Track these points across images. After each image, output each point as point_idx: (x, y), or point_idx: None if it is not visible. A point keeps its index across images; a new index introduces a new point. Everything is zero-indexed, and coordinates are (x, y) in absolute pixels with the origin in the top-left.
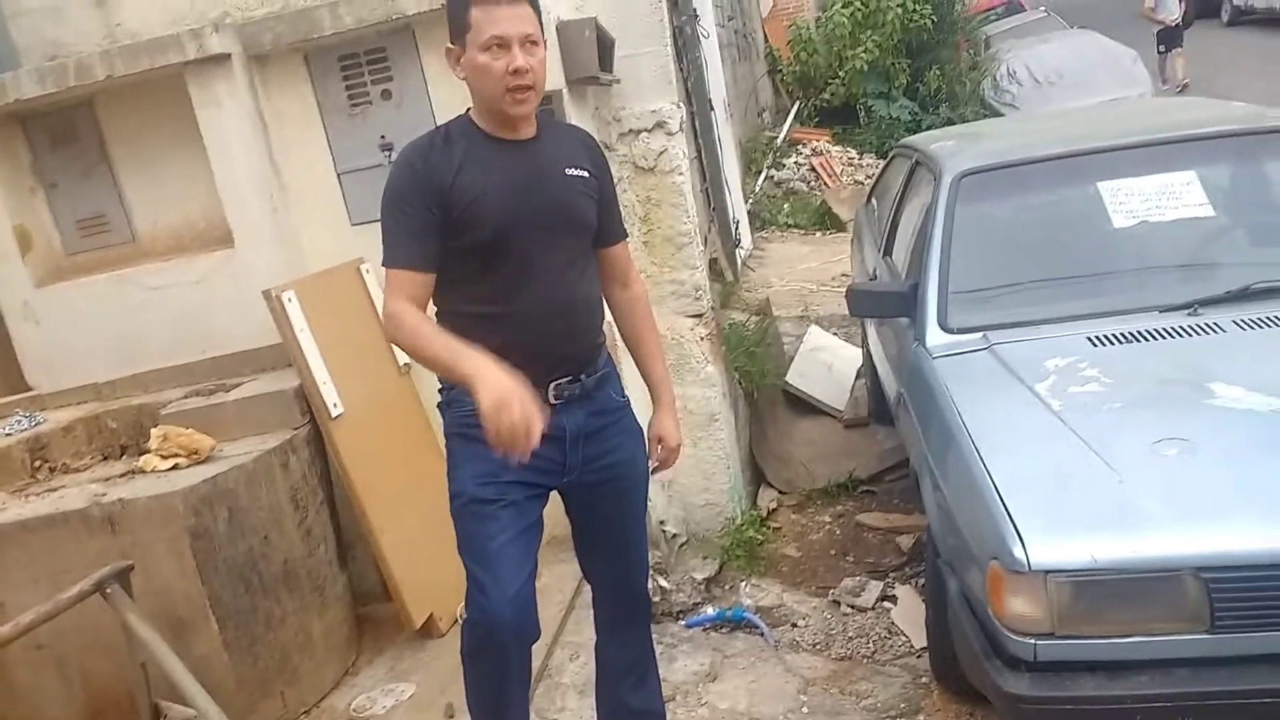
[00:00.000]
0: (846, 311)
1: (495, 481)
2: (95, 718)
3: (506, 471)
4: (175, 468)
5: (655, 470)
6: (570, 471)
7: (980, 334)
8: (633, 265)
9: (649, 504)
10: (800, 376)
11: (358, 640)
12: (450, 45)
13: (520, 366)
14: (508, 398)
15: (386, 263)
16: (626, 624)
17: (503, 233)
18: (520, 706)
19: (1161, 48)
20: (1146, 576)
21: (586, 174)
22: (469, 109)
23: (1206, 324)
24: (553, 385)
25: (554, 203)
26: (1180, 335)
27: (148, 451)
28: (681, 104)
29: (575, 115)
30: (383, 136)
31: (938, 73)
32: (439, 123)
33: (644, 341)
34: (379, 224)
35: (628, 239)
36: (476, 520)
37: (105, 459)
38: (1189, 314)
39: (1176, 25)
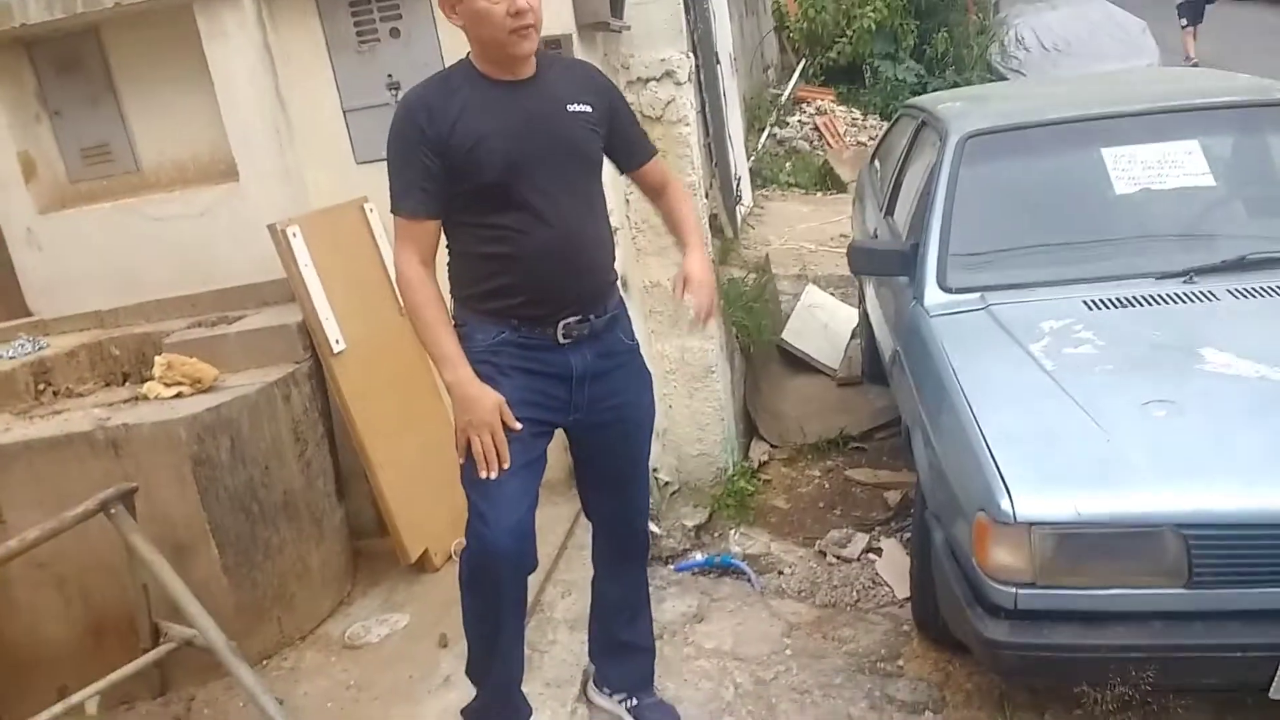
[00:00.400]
0: (844, 271)
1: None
2: (95, 636)
3: (512, 406)
4: (179, 395)
5: (693, 307)
6: (576, 410)
7: (978, 294)
8: (669, 173)
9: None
10: (796, 334)
11: (353, 572)
12: None
13: (529, 306)
14: (477, 422)
15: (394, 209)
16: (625, 560)
17: (507, 175)
18: (515, 635)
19: (1184, 21)
20: (1128, 531)
21: (590, 108)
22: (469, 53)
23: (1202, 292)
24: (561, 324)
25: (556, 141)
26: (1175, 302)
27: (151, 379)
28: (689, 54)
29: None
30: (390, 75)
31: (945, 35)
32: (447, 63)
33: (682, 219)
34: (384, 164)
35: (658, 154)
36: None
37: (108, 385)
38: (1185, 281)
39: None
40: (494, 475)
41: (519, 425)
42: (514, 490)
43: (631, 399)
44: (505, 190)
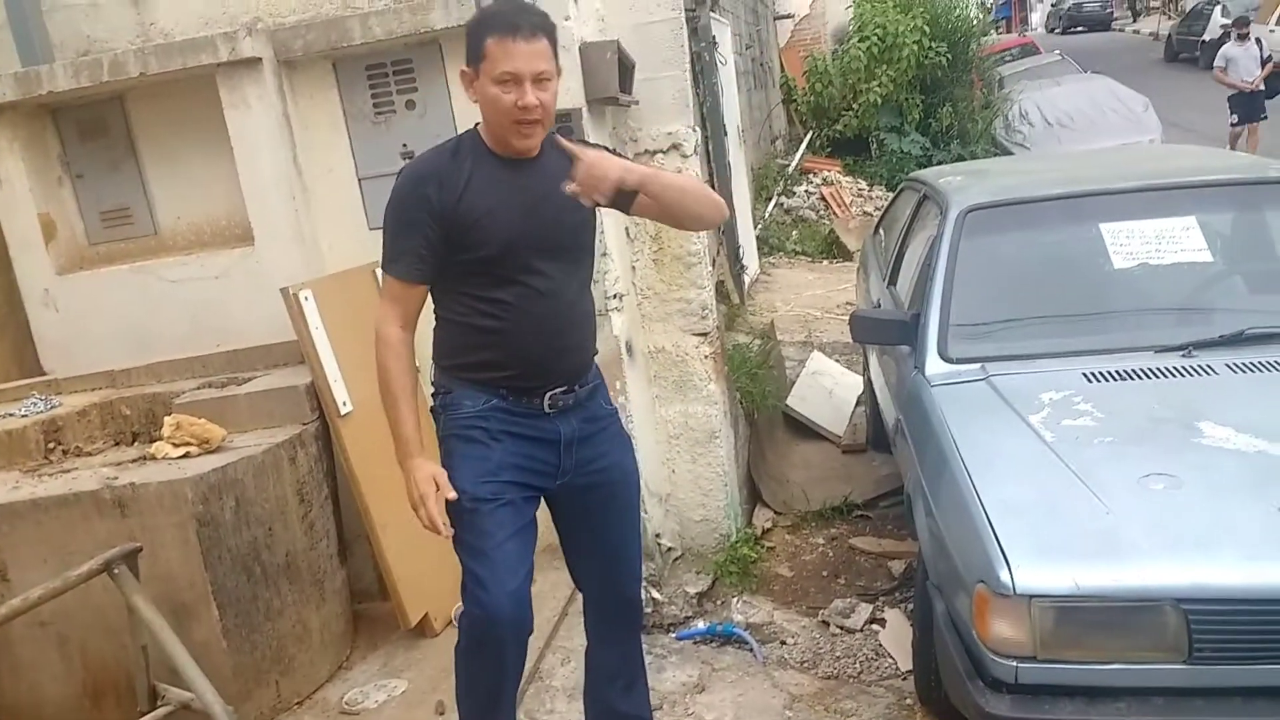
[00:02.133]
0: (849, 339)
1: (493, 480)
2: (93, 697)
3: (504, 471)
4: (186, 455)
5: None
6: (564, 474)
7: (979, 365)
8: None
9: (645, 516)
10: (801, 400)
11: (353, 636)
12: (465, 68)
13: (518, 379)
14: (414, 496)
15: (385, 269)
16: (617, 629)
17: (507, 251)
18: (511, 702)
19: (1234, 118)
20: (1128, 605)
21: None
22: (478, 124)
23: (1200, 366)
24: (548, 395)
25: (556, 223)
26: (1174, 375)
27: (160, 439)
28: (696, 127)
29: (593, 134)
30: (405, 145)
31: (950, 110)
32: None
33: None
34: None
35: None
36: (474, 518)
37: (118, 444)
38: (1183, 355)
39: (1259, 90)
40: (442, 535)
41: (453, 494)
42: (511, 554)
43: (616, 460)
44: (503, 266)
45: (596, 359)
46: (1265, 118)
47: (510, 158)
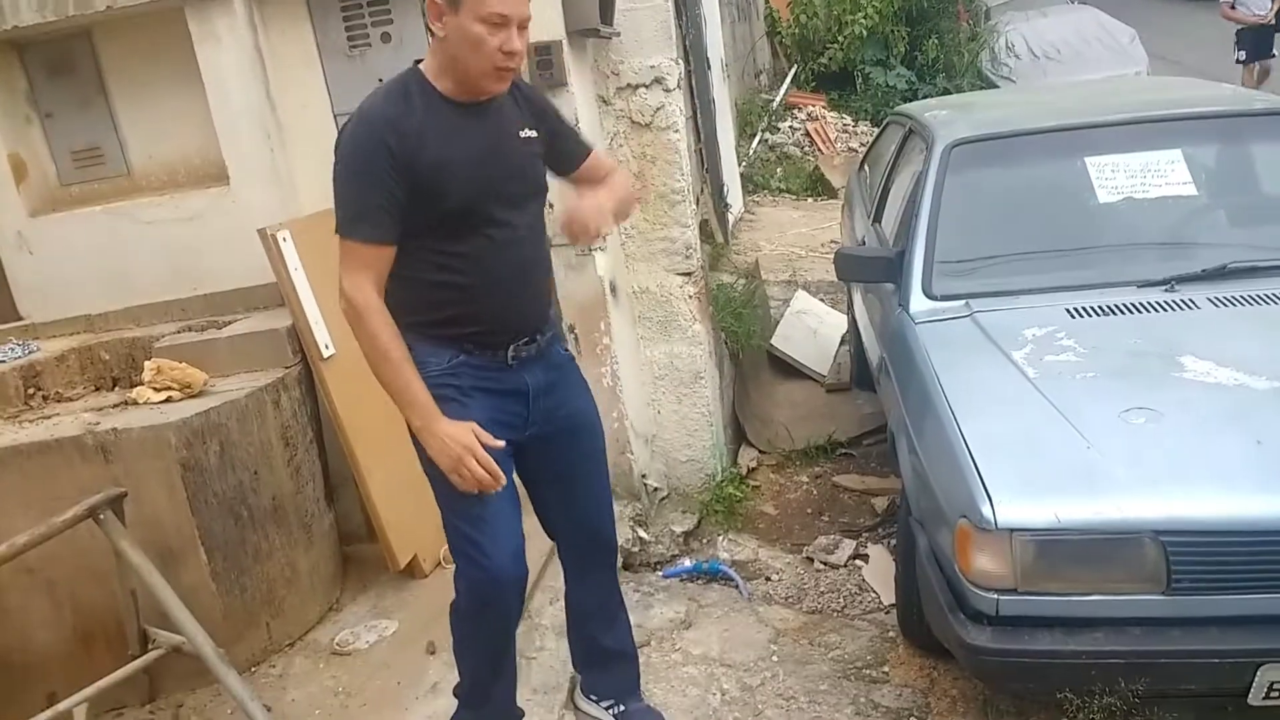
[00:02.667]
0: (834, 278)
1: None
2: (84, 642)
3: (486, 427)
4: (168, 400)
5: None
6: (532, 425)
7: (963, 301)
8: (611, 162)
9: (631, 457)
10: (785, 340)
11: (342, 578)
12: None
13: (484, 333)
14: (460, 454)
15: (346, 233)
16: (594, 568)
17: (467, 202)
18: (514, 652)
19: (1242, 54)
20: (1108, 538)
21: (535, 133)
22: (419, 61)
23: (1183, 300)
24: (512, 347)
25: (514, 170)
26: (1156, 310)
27: (140, 383)
28: (680, 61)
29: (574, 67)
30: (381, 79)
31: (936, 42)
32: None
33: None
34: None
35: (595, 149)
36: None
37: (98, 390)
38: (1166, 290)
39: (1270, 25)
40: (503, 484)
41: (501, 442)
42: (506, 513)
43: (579, 405)
44: (464, 219)
45: (581, 301)
46: (1275, 55)
47: (463, 102)
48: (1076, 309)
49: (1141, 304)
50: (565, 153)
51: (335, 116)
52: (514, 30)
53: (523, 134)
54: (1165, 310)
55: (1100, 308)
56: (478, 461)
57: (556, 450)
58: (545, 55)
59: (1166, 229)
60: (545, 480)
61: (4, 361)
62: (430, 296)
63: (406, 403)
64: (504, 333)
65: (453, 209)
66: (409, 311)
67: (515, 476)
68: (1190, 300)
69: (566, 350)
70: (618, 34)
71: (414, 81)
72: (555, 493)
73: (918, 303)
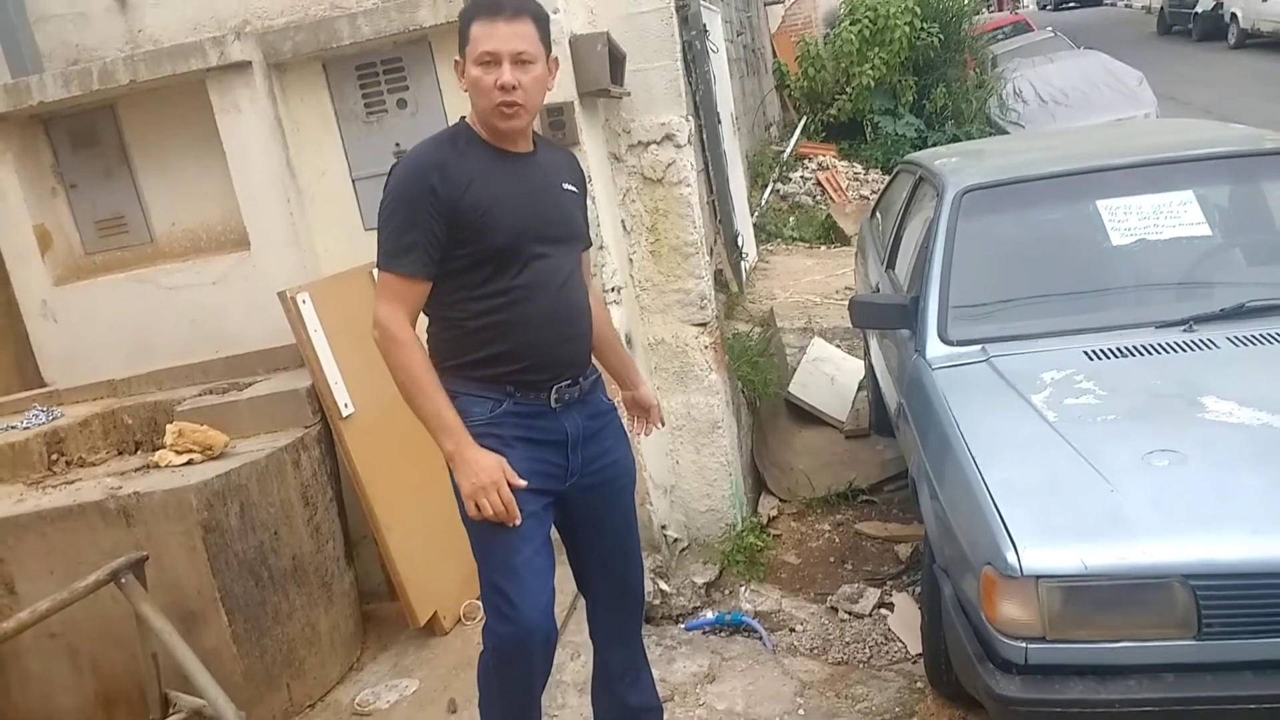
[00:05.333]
0: (849, 324)
1: (514, 491)
2: (105, 707)
3: (526, 479)
4: (190, 463)
5: (647, 430)
6: (572, 475)
7: (979, 346)
8: (590, 267)
9: (650, 508)
10: (802, 387)
11: (362, 637)
12: (457, 58)
13: (527, 372)
14: (484, 483)
15: (385, 266)
16: (624, 623)
17: (512, 242)
18: (539, 708)
19: None
20: (1136, 583)
21: (575, 190)
22: (464, 117)
23: (1201, 340)
24: (554, 389)
25: (556, 215)
26: (1175, 351)
27: (162, 447)
28: (690, 117)
29: (586, 127)
30: (397, 144)
31: (944, 90)
32: None
33: (611, 336)
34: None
35: (590, 245)
36: (499, 532)
37: (120, 454)
38: (1184, 330)
39: None
40: (517, 523)
41: (523, 482)
42: (540, 568)
43: (619, 457)
44: (511, 256)
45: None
46: None
47: (505, 150)
48: (1094, 351)
49: (1160, 345)
50: None
51: (354, 181)
52: (505, 66)
53: (565, 186)
54: (1184, 350)
55: (1118, 349)
56: (499, 495)
57: (597, 500)
58: (558, 116)
59: (1182, 270)
60: (584, 531)
61: (29, 428)
62: (473, 337)
63: (438, 428)
64: (546, 372)
65: (496, 245)
66: (453, 354)
67: (553, 529)
68: (1209, 340)
69: (609, 400)
70: (628, 93)
71: (461, 130)
72: (593, 544)
73: (934, 348)
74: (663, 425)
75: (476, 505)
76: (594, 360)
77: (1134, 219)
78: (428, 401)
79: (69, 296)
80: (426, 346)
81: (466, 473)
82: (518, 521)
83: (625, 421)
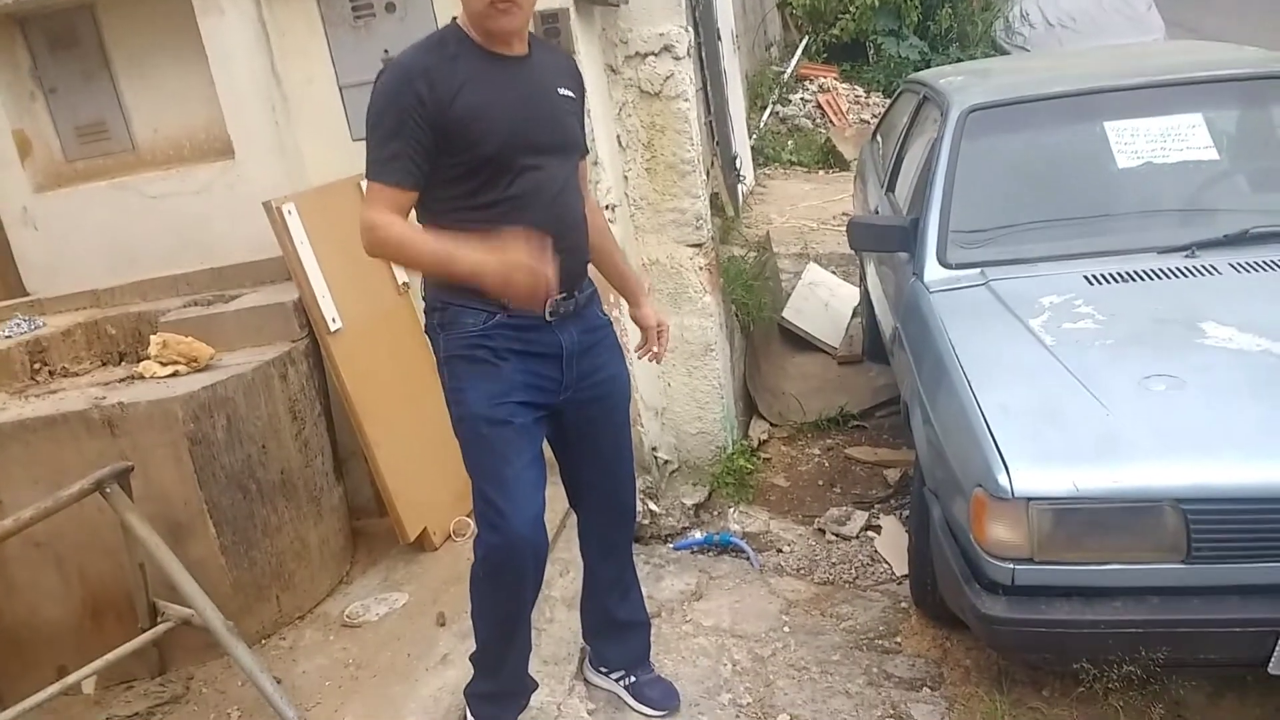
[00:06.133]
0: (846, 250)
1: (506, 402)
2: (93, 616)
3: (515, 391)
4: (175, 374)
5: (656, 355)
6: (567, 389)
7: (978, 270)
8: (587, 179)
9: (641, 430)
10: (796, 312)
11: (352, 551)
12: None
13: None
14: (509, 272)
15: (373, 176)
16: (616, 539)
17: (504, 150)
18: (529, 622)
19: None
20: (1127, 506)
21: (573, 95)
22: (455, 18)
23: (1203, 266)
24: (549, 302)
25: (551, 122)
26: (1177, 276)
27: (147, 358)
28: (689, 28)
29: (582, 35)
30: (386, 50)
31: (949, 11)
32: None
33: (609, 246)
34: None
35: (588, 154)
36: (490, 444)
37: (104, 364)
38: (1187, 256)
39: None
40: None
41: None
42: (531, 480)
43: (614, 372)
44: (502, 165)
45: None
46: None
47: (499, 54)
48: (1095, 276)
49: (1161, 270)
50: None
51: (340, 88)
52: None
53: (561, 91)
54: (1186, 276)
55: (1119, 274)
56: (528, 274)
57: (591, 415)
58: (552, 23)
59: (1187, 194)
60: (577, 446)
61: (10, 337)
62: None
63: (446, 261)
64: None
65: (486, 154)
66: None
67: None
68: (1211, 266)
69: (605, 314)
70: (626, 1)
71: (451, 33)
72: (586, 459)
73: (932, 271)
74: (659, 347)
75: (516, 286)
76: (590, 273)
77: (1141, 141)
78: (425, 252)
79: (50, 204)
80: None
81: (491, 270)
82: (554, 286)
83: (631, 342)
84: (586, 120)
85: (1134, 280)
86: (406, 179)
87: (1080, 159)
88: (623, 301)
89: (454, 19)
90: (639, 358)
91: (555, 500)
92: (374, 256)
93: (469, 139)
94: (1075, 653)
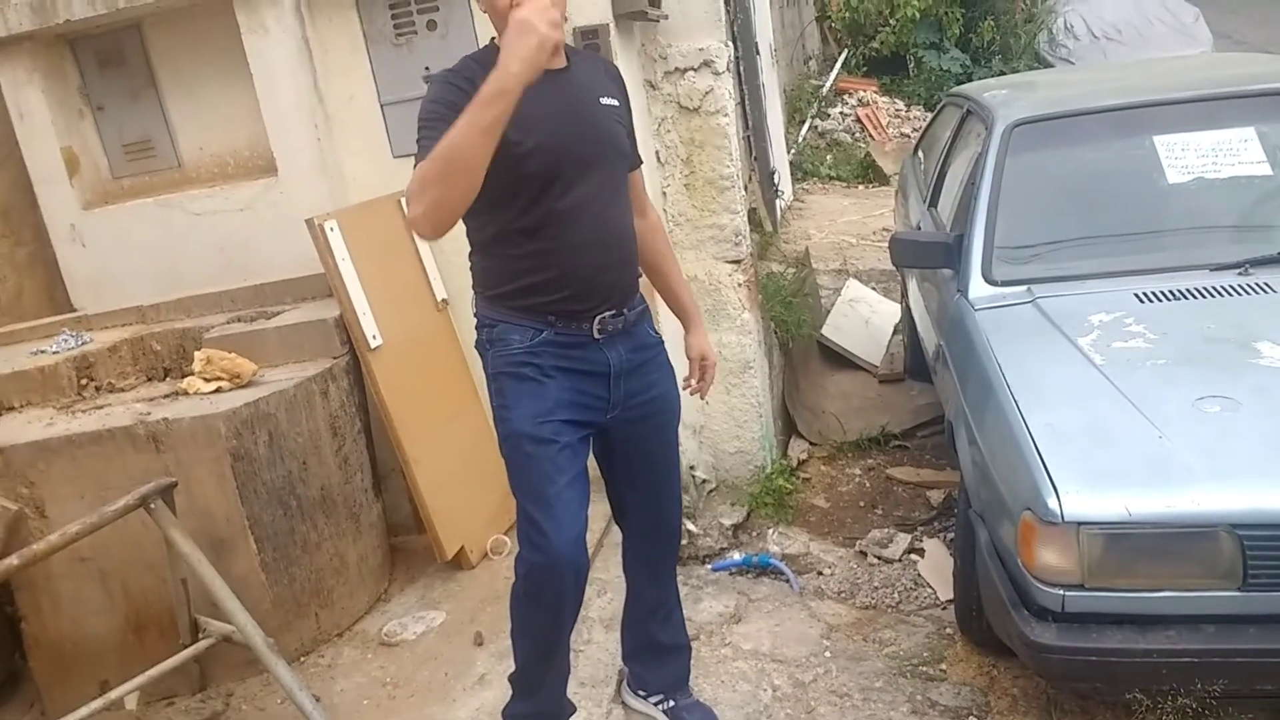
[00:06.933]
0: (886, 266)
1: (550, 420)
2: (136, 631)
3: (560, 410)
4: (218, 390)
5: (698, 389)
6: (614, 408)
7: (1024, 287)
8: (647, 193)
9: (680, 450)
10: (836, 330)
11: (390, 569)
12: None
13: (568, 300)
14: (535, 24)
15: (421, 157)
16: (660, 560)
17: (548, 168)
18: (568, 643)
19: None
20: (1181, 532)
21: (617, 103)
22: (493, 38)
23: (1257, 284)
24: (597, 319)
25: (594, 133)
26: (1230, 294)
27: (191, 374)
28: (728, 44)
29: (621, 51)
30: (427, 68)
31: (992, 24)
32: None
33: (667, 268)
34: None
35: (642, 165)
36: (534, 462)
37: (149, 380)
38: (1240, 273)
39: None
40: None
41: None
42: (572, 499)
43: (663, 391)
44: (547, 182)
45: None
46: None
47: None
48: (1145, 294)
49: (1214, 288)
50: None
51: (382, 106)
52: None
53: (604, 100)
54: (1239, 294)
55: (1170, 292)
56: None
57: (638, 435)
58: (592, 39)
59: (1240, 210)
60: (623, 465)
61: (57, 352)
62: (514, 265)
63: (479, 108)
64: (588, 300)
65: (532, 170)
66: (494, 282)
67: (591, 461)
68: (1266, 284)
69: (656, 332)
70: (665, 16)
71: (491, 52)
72: (632, 479)
73: (978, 288)
74: (699, 382)
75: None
76: (643, 291)
77: (1192, 156)
78: (459, 129)
79: (97, 221)
80: (471, 275)
81: (518, 43)
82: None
83: (682, 368)
84: None
85: (1186, 298)
86: None
87: (1129, 174)
88: (661, 322)
89: (492, 39)
90: (682, 388)
91: (593, 519)
92: (435, 224)
93: (513, 155)
94: (1127, 682)
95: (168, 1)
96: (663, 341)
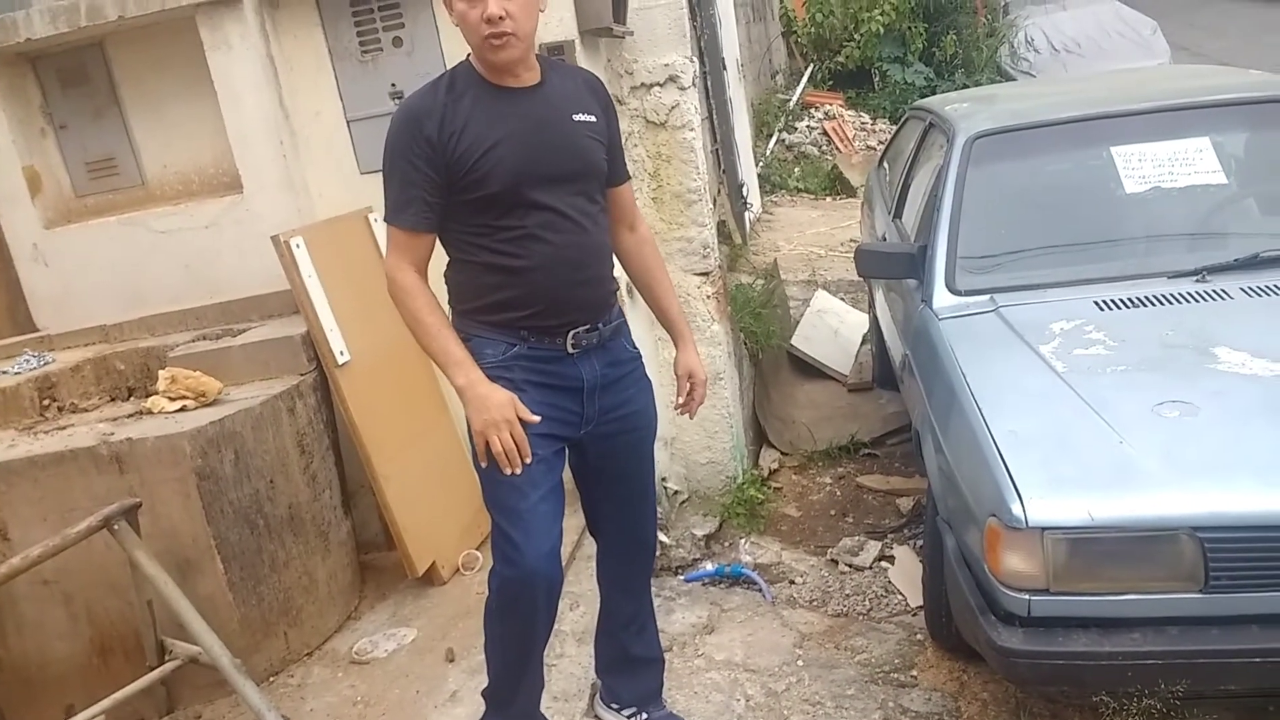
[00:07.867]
0: (854, 276)
1: (524, 435)
2: (101, 654)
3: (532, 425)
4: (183, 409)
5: (685, 408)
6: (588, 423)
7: (987, 296)
8: (637, 207)
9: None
10: (805, 340)
11: (360, 586)
12: None
13: (540, 316)
14: (495, 420)
15: (390, 220)
16: (634, 574)
17: (516, 185)
18: (541, 657)
19: None
20: (1143, 535)
21: (594, 119)
22: (469, 54)
23: (1214, 290)
24: (571, 334)
25: (565, 151)
26: (1187, 301)
27: (155, 393)
28: (694, 59)
29: (587, 67)
30: (393, 84)
31: (954, 38)
32: None
33: (657, 282)
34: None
35: (630, 180)
36: (507, 478)
37: (113, 400)
38: (1197, 280)
39: None
40: (518, 471)
41: (537, 417)
42: (546, 514)
43: (639, 407)
44: (514, 199)
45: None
46: None
47: (507, 88)
48: (1105, 301)
49: (1172, 295)
50: (610, 163)
51: (348, 122)
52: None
53: (577, 116)
54: (1197, 301)
55: (1129, 300)
56: (510, 433)
57: (613, 449)
58: (558, 54)
59: (1196, 219)
60: (598, 479)
61: (19, 373)
62: (485, 280)
63: (447, 363)
64: (560, 316)
65: (494, 190)
66: (465, 298)
67: (566, 474)
68: (1223, 291)
69: (634, 348)
70: (631, 33)
71: (462, 71)
72: (607, 493)
73: (941, 298)
74: (685, 399)
75: (487, 442)
76: (619, 305)
77: (1148, 166)
78: (434, 340)
79: (60, 240)
80: (446, 289)
81: (478, 408)
82: (528, 460)
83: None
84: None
85: (1145, 305)
86: (421, 223)
87: (1088, 184)
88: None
89: (468, 55)
90: (671, 407)
91: (567, 532)
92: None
93: (475, 177)
94: (1094, 685)
95: (130, 19)
96: (639, 356)
